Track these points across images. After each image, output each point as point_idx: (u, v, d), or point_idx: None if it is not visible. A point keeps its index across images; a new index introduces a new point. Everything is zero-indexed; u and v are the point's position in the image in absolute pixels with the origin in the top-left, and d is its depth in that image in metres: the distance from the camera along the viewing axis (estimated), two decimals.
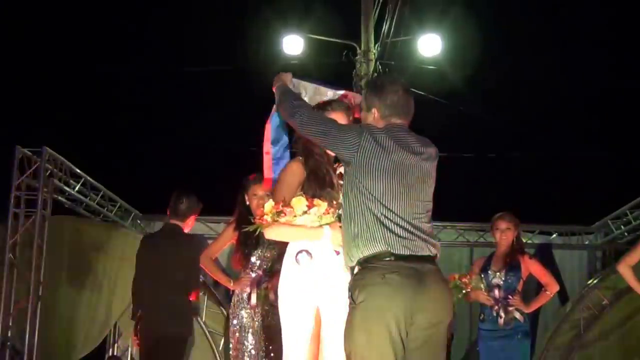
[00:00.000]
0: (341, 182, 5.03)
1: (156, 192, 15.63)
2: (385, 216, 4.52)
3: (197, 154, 19.29)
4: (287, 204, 4.79)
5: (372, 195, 4.55)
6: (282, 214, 4.77)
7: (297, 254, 4.93)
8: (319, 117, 4.94)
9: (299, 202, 4.77)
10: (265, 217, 4.83)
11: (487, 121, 17.63)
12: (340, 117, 5.11)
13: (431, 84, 14.92)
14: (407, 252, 4.52)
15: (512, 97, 19.26)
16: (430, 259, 4.62)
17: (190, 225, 8.36)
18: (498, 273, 8.34)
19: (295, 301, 4.96)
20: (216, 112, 19.17)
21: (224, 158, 18.41)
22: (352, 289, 4.56)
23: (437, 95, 14.47)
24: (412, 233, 4.57)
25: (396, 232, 4.53)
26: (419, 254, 4.57)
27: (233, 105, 18.73)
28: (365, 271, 4.53)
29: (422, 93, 13.71)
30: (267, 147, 5.41)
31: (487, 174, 17.97)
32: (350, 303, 4.59)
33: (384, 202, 4.54)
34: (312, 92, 5.55)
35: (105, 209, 12.02)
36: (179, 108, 20.37)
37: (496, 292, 8.28)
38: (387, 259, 4.49)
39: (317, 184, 5.01)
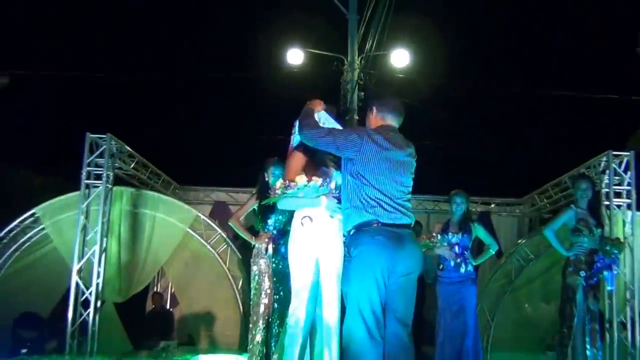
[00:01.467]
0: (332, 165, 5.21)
1: (190, 169, 15.82)
2: (376, 196, 4.75)
3: (223, 141, 19.35)
4: (292, 180, 4.94)
5: (368, 181, 4.77)
6: (289, 188, 4.94)
7: (302, 218, 5.09)
8: (325, 131, 5.06)
9: (300, 179, 4.93)
10: (277, 191, 5.00)
11: (444, 118, 17.80)
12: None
13: (400, 88, 15.02)
14: (390, 221, 4.75)
15: (466, 99, 19.40)
16: (407, 226, 4.85)
17: None
18: (455, 235, 8.41)
19: (300, 253, 5.10)
20: (238, 109, 19.25)
21: (245, 143, 18.46)
22: (348, 245, 4.78)
23: (407, 97, 14.58)
24: (394, 208, 4.80)
25: (383, 207, 4.75)
26: (399, 222, 4.79)
27: (251, 104, 18.81)
28: (359, 233, 4.74)
29: (389, 92, 13.80)
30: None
31: (441, 158, 18.10)
32: (346, 256, 4.79)
33: (376, 187, 4.76)
34: (323, 119, 5.57)
35: (152, 181, 12.05)
36: (206, 107, 20.45)
37: (456, 248, 8.37)
38: (375, 225, 4.71)
39: (314, 166, 5.16)
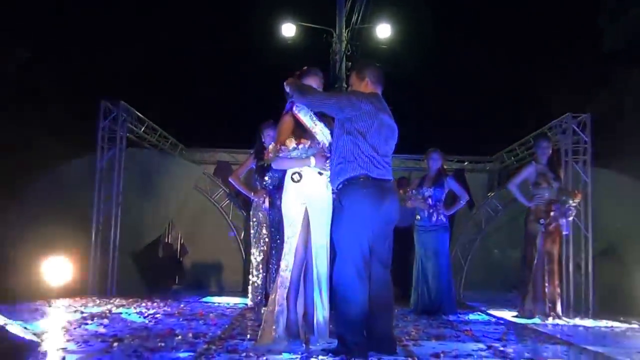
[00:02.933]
0: (318, 127, 5.34)
1: (195, 132, 15.90)
2: (369, 153, 4.90)
3: (226, 107, 19.41)
4: (283, 143, 5.09)
5: (364, 138, 4.90)
6: (281, 152, 5.08)
7: (292, 174, 5.22)
8: (328, 94, 5.25)
9: (290, 142, 5.04)
10: (270, 155, 5.15)
11: (423, 84, 17.91)
12: (314, 81, 5.38)
13: (384, 58, 15.09)
14: (379, 176, 4.92)
15: (443, 67, 19.49)
16: (391, 181, 5.05)
17: None
18: (429, 189, 8.58)
19: (291, 205, 5.20)
20: (239, 79, 19.30)
21: (244, 108, 18.54)
22: (340, 196, 4.94)
23: (387, 65, 14.64)
24: (382, 165, 4.97)
25: (374, 163, 4.91)
26: (385, 177, 4.98)
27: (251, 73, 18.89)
28: (351, 185, 4.89)
29: (378, 64, 13.84)
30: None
31: (422, 120, 18.24)
32: (337, 206, 4.97)
33: (370, 143, 4.91)
34: None
35: (161, 143, 12.04)
36: (211, 77, 20.49)
37: (429, 200, 8.55)
38: (366, 179, 4.87)
39: (302, 129, 5.28)
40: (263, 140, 7.59)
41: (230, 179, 8.12)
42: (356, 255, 4.79)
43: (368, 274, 4.82)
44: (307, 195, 5.15)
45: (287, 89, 5.24)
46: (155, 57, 19.27)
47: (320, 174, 5.17)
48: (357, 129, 4.90)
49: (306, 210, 5.16)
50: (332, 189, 5.16)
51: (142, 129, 11.12)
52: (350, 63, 14.77)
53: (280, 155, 5.06)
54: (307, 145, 5.04)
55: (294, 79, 5.33)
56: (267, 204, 7.55)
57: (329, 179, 5.18)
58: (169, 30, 19.40)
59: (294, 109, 5.36)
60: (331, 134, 5.25)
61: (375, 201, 4.85)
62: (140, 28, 18.37)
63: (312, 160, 5.09)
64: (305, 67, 5.50)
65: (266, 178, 7.61)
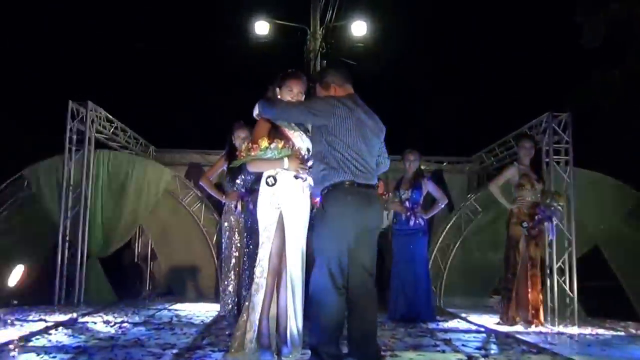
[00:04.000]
0: (296, 133, 5.21)
1: (166, 133, 15.73)
2: (351, 157, 4.79)
3: (197, 107, 19.26)
4: (255, 143, 4.95)
5: (343, 142, 4.78)
6: (252, 150, 4.94)
7: (267, 178, 5.10)
8: (295, 103, 5.09)
9: (263, 142, 4.90)
10: (242, 154, 5.02)
11: (400, 82, 17.84)
12: (297, 85, 5.23)
13: (359, 56, 14.98)
14: (364, 182, 4.82)
15: (419, 65, 19.43)
16: (374, 187, 4.94)
17: None
18: (407, 191, 8.50)
19: (265, 209, 5.09)
20: (211, 77, 19.13)
21: (216, 108, 18.37)
22: (324, 201, 4.83)
23: (363, 63, 14.52)
24: (367, 170, 4.86)
25: (358, 168, 4.80)
26: (369, 182, 4.87)
27: (223, 72, 18.72)
28: (335, 191, 4.79)
29: (354, 63, 13.73)
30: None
31: (399, 120, 18.15)
32: (320, 210, 4.87)
33: (351, 147, 4.79)
34: None
35: (131, 144, 11.95)
36: (182, 76, 20.31)
37: (407, 203, 8.46)
38: (351, 185, 4.77)
39: (278, 132, 5.14)
40: (234, 141, 7.44)
41: (200, 182, 7.97)
42: (334, 263, 4.69)
43: (344, 283, 4.72)
44: (282, 200, 5.05)
45: (255, 112, 5.11)
46: (125, 56, 19.10)
47: (296, 177, 5.03)
48: (335, 134, 4.80)
49: (281, 215, 5.05)
50: (314, 194, 5.10)
51: (112, 129, 10.99)
52: (325, 62, 14.65)
53: (252, 154, 4.92)
54: (280, 145, 4.89)
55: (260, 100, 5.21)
56: (239, 208, 7.43)
57: (306, 183, 5.08)
58: (137, 29, 19.23)
59: None
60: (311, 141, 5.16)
61: (359, 208, 4.76)
62: (108, 27, 18.20)
63: (286, 161, 4.94)
64: (289, 70, 5.35)
65: (238, 181, 7.49)
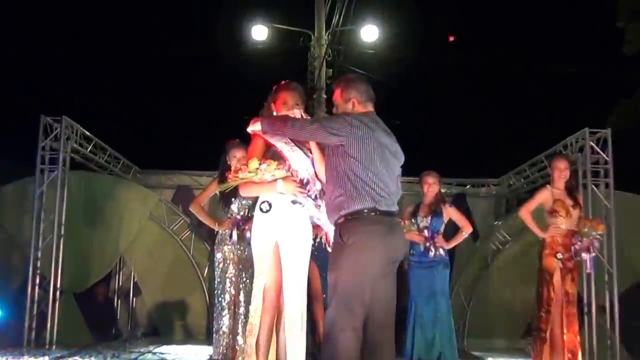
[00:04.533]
0: (295, 154, 5.21)
1: (151, 152, 15.74)
2: (371, 181, 4.78)
3: (186, 123, 19.28)
4: (244, 164, 5.01)
5: (362, 165, 4.77)
6: (240, 171, 4.97)
7: (261, 203, 5.12)
8: (309, 120, 5.14)
9: (252, 162, 4.94)
10: (229, 176, 5.04)
11: (416, 94, 17.85)
12: (287, 96, 5.32)
13: (370, 65, 14.99)
14: (386, 209, 4.82)
15: (438, 75, 19.41)
16: (396, 214, 4.96)
17: None
18: (426, 218, 8.49)
19: (259, 240, 5.12)
20: (201, 89, 19.20)
21: (206, 124, 18.40)
22: (342, 233, 4.78)
23: (374, 73, 14.55)
24: (388, 195, 4.85)
25: (379, 193, 4.79)
26: (392, 209, 4.89)
27: (215, 83, 18.77)
28: (355, 220, 4.77)
29: (364, 72, 13.77)
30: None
31: (415, 137, 18.11)
32: (337, 243, 4.81)
33: (372, 171, 4.79)
34: None
35: (111, 165, 11.95)
36: (168, 87, 20.35)
37: (425, 232, 8.44)
38: (373, 213, 4.76)
39: (271, 151, 5.17)
40: (229, 161, 7.41)
41: (190, 208, 7.95)
42: (354, 300, 4.70)
43: (363, 325, 4.74)
44: (279, 229, 5.06)
45: (257, 128, 5.09)
46: (104, 66, 19.12)
47: (294, 202, 5.03)
48: (354, 156, 4.80)
49: (277, 245, 5.08)
50: (326, 223, 5.12)
51: (89, 148, 10.99)
52: (331, 70, 14.68)
53: (240, 176, 4.92)
54: (272, 166, 4.89)
55: (259, 116, 5.21)
56: (234, 236, 7.39)
57: (305, 209, 5.12)
58: (119, 38, 19.29)
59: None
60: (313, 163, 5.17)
61: (383, 239, 4.77)
62: (86, 33, 18.26)
63: (280, 183, 4.95)
64: (283, 81, 5.43)
65: (233, 206, 7.47)
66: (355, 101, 5.06)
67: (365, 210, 4.76)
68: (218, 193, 7.61)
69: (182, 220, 11.18)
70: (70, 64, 17.64)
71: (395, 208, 4.94)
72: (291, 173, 5.04)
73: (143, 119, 19.26)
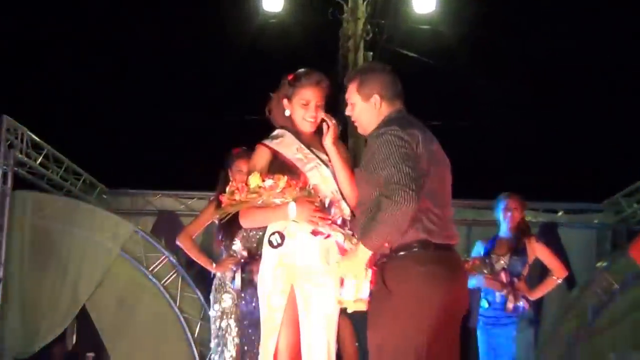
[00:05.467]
0: (310, 164, 5.21)
1: (123, 166, 15.78)
2: (425, 205, 4.67)
3: (168, 124, 19.19)
4: (243, 182, 4.97)
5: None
6: (237, 192, 4.93)
7: (271, 235, 5.10)
8: (380, 196, 4.70)
9: (253, 178, 4.91)
10: (224, 200, 4.99)
11: (485, 87, 17.70)
12: (310, 94, 5.27)
13: (425, 45, 14.94)
14: (443, 241, 4.75)
15: (514, 62, 19.28)
16: (455, 247, 4.92)
17: None
18: (503, 257, 8.44)
19: (268, 287, 5.14)
20: (192, 81, 19.18)
21: (198, 128, 18.36)
22: (385, 276, 4.70)
23: (431, 57, 14.49)
24: (446, 221, 4.81)
25: (433, 221, 4.71)
26: (450, 241, 4.83)
27: (210, 73, 18.71)
28: (403, 259, 4.68)
29: (415, 55, 13.77)
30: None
31: (484, 144, 18.02)
32: (380, 289, 4.73)
33: (426, 191, 4.65)
34: None
35: (69, 182, 12.00)
36: (147, 76, 20.35)
37: (502, 276, 8.38)
38: (427, 248, 4.68)
39: (284, 168, 5.16)
40: (231, 177, 7.38)
41: (178, 241, 7.92)
42: None
43: None
44: (294, 270, 5.06)
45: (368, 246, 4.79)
46: (62, 55, 19.16)
47: (315, 234, 5.00)
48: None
49: (293, 293, 5.10)
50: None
51: (39, 159, 11.04)
52: (371, 53, 14.57)
53: (237, 199, 4.89)
54: (280, 183, 4.85)
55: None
56: (237, 282, 7.35)
57: (332, 243, 5.07)
58: (82, 16, 19.38)
59: (266, 140, 5.40)
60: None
61: (442, 283, 4.68)
62: (41, 17, 18.39)
63: (292, 208, 4.89)
64: (301, 71, 5.39)
65: (237, 240, 7.42)
66: (379, 97, 4.99)
67: (416, 245, 4.68)
68: (216, 221, 7.59)
69: (166, 260, 11.19)
70: (16, 50, 17.74)
71: (455, 239, 4.87)
72: (308, 192, 5.00)
73: (112, 122, 19.15)
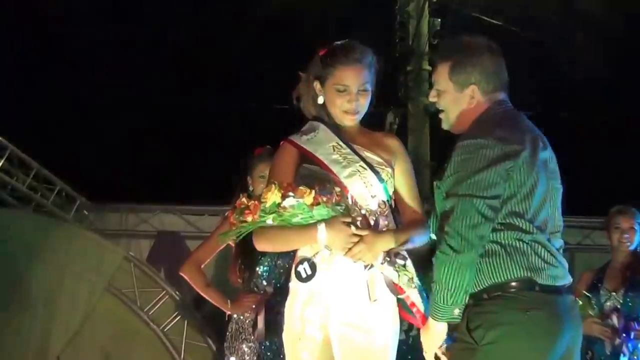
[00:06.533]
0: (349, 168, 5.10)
1: (110, 173, 15.84)
2: (527, 232, 4.60)
3: (167, 117, 19.25)
4: (259, 197, 4.78)
5: (515, 204, 4.60)
6: (247, 211, 4.79)
7: (298, 265, 4.99)
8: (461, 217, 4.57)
9: (270, 193, 4.69)
10: (231, 219, 4.87)
11: (603, 67, 17.57)
12: (349, 76, 5.11)
13: (511, 10, 14.84)
14: (552, 282, 4.64)
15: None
16: (569, 289, 4.80)
17: None
18: (615, 293, 8.34)
19: (298, 326, 5.06)
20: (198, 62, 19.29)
21: (207, 121, 18.40)
22: (471, 325, 4.64)
23: (519, 25, 14.41)
24: (554, 255, 4.69)
25: (539, 253, 4.63)
26: (562, 282, 4.71)
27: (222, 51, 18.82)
28: (497, 303, 4.60)
29: (498, 23, 13.75)
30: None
31: (596, 144, 17.93)
32: (465, 343, 4.65)
33: (530, 213, 4.62)
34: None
35: (40, 194, 12.05)
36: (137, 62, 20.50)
37: (614, 318, 8.31)
38: (530, 289, 4.60)
39: (307, 167, 5.12)
40: (250, 186, 7.35)
41: (183, 272, 7.87)
42: None
43: None
44: (330, 310, 4.97)
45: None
46: (34, 37, 19.35)
47: (366, 266, 4.91)
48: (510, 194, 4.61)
49: (327, 339, 4.99)
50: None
51: (1, 162, 11.14)
52: (439, 20, 14.51)
53: (248, 220, 4.79)
54: (307, 198, 4.74)
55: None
56: (260, 327, 7.30)
57: (381, 276, 4.97)
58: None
59: (293, 136, 5.28)
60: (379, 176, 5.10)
61: (551, 335, 4.59)
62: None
63: (322, 232, 4.78)
64: (339, 44, 5.25)
65: (260, 268, 7.37)
66: (476, 89, 4.89)
67: (515, 285, 4.59)
68: (232, 245, 7.54)
69: (167, 296, 11.20)
70: None
71: (567, 280, 4.73)
72: (346, 208, 4.86)
73: (95, 116, 19.27)
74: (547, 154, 4.81)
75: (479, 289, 4.59)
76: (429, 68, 14.03)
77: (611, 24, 16.08)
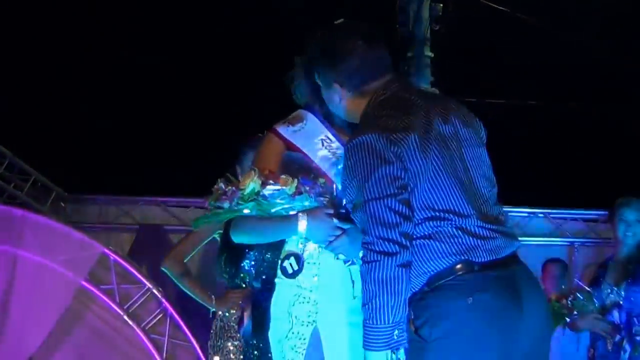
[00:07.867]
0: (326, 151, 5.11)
1: (89, 163, 15.84)
2: (448, 217, 4.56)
3: (151, 104, 19.23)
4: (236, 185, 4.86)
5: (431, 194, 4.57)
6: (224, 197, 4.84)
7: (283, 260, 5.08)
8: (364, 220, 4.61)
9: (248, 178, 4.78)
10: (206, 204, 4.90)
11: (607, 54, 17.58)
12: (358, 52, 5.03)
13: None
14: (493, 256, 4.58)
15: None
16: (515, 257, 4.74)
17: None
18: (617, 288, 8.39)
19: (282, 329, 5.12)
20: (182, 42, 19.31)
21: (195, 107, 18.41)
22: (419, 322, 4.58)
23: (529, 12, 14.42)
24: (489, 227, 4.64)
25: (470, 230, 4.58)
26: (504, 254, 4.65)
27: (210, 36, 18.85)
28: (438, 294, 4.55)
29: (505, 9, 13.77)
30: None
31: (595, 134, 17.95)
32: (415, 341, 4.59)
33: (448, 194, 4.58)
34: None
35: (13, 185, 12.10)
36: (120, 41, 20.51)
37: (615, 314, 8.35)
38: (469, 272, 4.54)
39: (300, 167, 5.11)
40: (240, 175, 7.36)
41: (164, 266, 7.90)
42: None
43: None
44: (317, 306, 5.06)
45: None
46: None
47: (346, 261, 5.03)
48: (412, 185, 4.56)
49: (316, 336, 5.06)
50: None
51: None
52: (441, 5, 14.52)
53: (224, 206, 4.85)
54: (290, 188, 4.80)
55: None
56: (246, 324, 7.33)
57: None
58: None
59: (280, 125, 5.28)
60: None
61: (502, 317, 4.53)
62: None
63: (302, 223, 4.86)
64: (338, 23, 5.20)
65: (246, 262, 7.39)
66: (340, 90, 4.92)
67: (452, 270, 4.54)
68: (217, 238, 7.56)
69: (149, 293, 11.21)
70: None
71: (510, 249, 4.69)
72: (330, 201, 4.94)
73: (73, 104, 19.27)
74: (454, 123, 4.81)
75: (418, 287, 4.58)
76: (431, 54, 14.19)
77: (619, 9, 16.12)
